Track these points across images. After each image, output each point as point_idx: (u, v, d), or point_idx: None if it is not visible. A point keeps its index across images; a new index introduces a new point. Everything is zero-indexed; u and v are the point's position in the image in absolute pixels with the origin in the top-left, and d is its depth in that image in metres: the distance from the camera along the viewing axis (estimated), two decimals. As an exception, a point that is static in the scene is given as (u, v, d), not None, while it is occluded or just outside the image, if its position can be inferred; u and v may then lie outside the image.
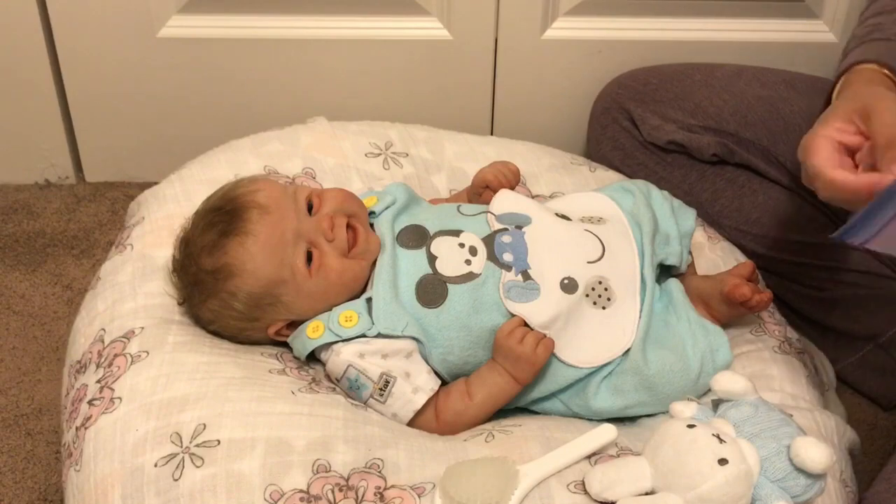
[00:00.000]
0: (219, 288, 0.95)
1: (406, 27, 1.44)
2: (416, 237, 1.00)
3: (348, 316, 0.95)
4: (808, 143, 0.90)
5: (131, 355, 0.93)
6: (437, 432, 0.94)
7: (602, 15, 1.44)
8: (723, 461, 0.78)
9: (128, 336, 0.95)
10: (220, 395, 0.88)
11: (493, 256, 0.98)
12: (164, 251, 1.04)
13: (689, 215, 1.09)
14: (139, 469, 0.84)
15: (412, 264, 0.98)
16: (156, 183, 1.17)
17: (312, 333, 0.95)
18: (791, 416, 0.87)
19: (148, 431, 0.86)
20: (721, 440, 0.80)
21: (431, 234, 1.00)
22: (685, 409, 0.86)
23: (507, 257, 0.98)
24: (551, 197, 1.19)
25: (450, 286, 0.96)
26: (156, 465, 0.84)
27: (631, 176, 1.28)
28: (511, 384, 0.95)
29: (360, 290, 0.98)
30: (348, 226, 0.98)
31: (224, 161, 1.17)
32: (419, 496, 0.82)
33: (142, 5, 1.40)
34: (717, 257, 1.17)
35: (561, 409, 0.99)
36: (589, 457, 0.86)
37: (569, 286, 0.97)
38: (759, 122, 1.26)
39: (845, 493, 0.93)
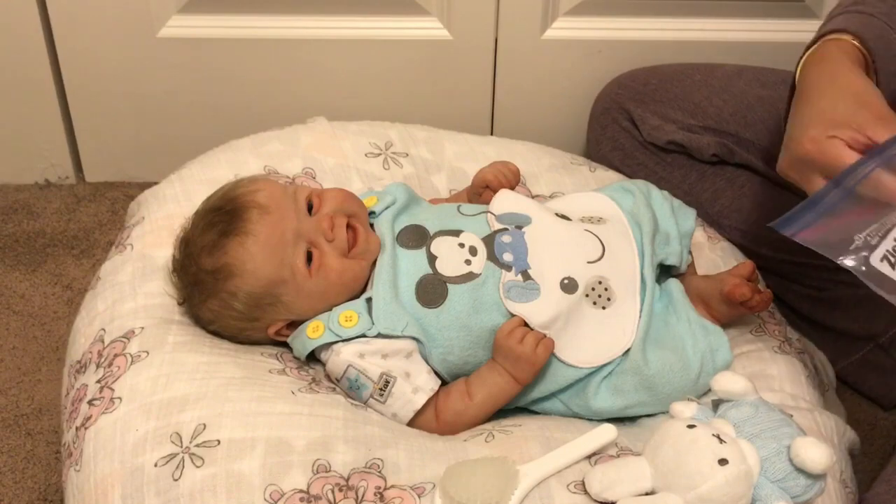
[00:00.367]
0: (219, 288, 0.95)
1: (406, 27, 1.44)
2: (416, 237, 1.00)
3: (348, 316, 0.95)
4: (825, 143, 0.88)
5: (131, 355, 0.93)
6: (437, 432, 0.94)
7: (602, 15, 1.44)
8: (723, 461, 0.78)
9: (128, 336, 0.96)
10: (220, 395, 0.88)
11: (493, 256, 0.98)
12: (164, 251, 1.04)
13: (689, 215, 1.09)
14: (139, 469, 0.84)
15: (412, 264, 0.98)
16: (156, 183, 1.17)
17: (312, 333, 0.95)
18: (791, 416, 0.87)
19: (148, 431, 0.86)
20: (721, 440, 0.80)
21: (431, 234, 1.00)
22: (685, 410, 0.86)
23: (507, 257, 0.98)
24: (551, 197, 1.19)
25: (450, 286, 0.96)
26: (156, 465, 0.84)
27: (631, 176, 1.28)
28: (511, 384, 0.95)
29: (360, 290, 0.98)
30: (348, 226, 0.98)
31: (224, 161, 1.17)
32: (419, 496, 0.82)
33: (142, 5, 1.40)
34: (717, 257, 1.17)
35: (561, 409, 0.99)
36: (589, 457, 0.86)
37: (569, 286, 0.97)
38: (759, 122, 1.26)
39: (845, 493, 0.93)
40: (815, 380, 1.07)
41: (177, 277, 1.00)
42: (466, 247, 0.98)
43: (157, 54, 1.44)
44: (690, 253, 1.08)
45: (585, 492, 0.82)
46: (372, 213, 1.03)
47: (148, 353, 0.93)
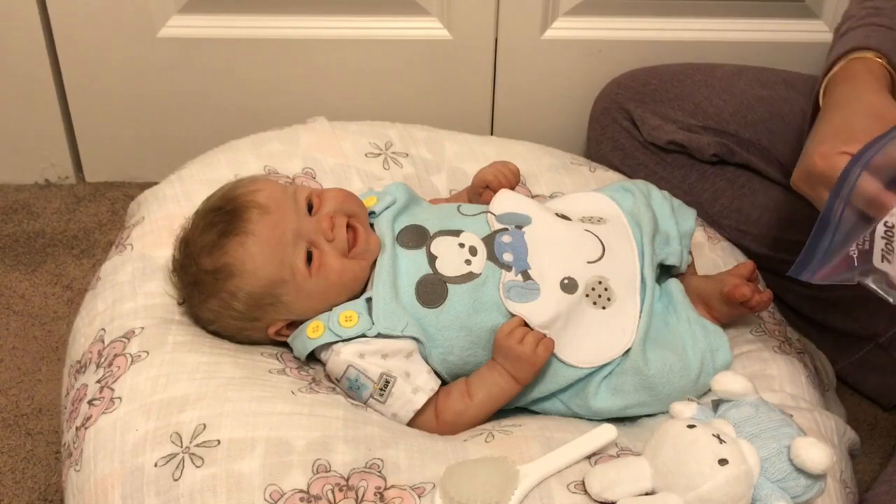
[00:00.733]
0: (219, 288, 0.95)
1: (406, 27, 1.44)
2: (416, 237, 1.00)
3: (348, 316, 0.95)
4: (836, 158, 0.87)
5: (131, 355, 0.93)
6: (437, 432, 0.94)
7: (602, 15, 1.44)
8: (723, 461, 0.78)
9: (128, 336, 0.95)
10: (220, 395, 0.88)
11: (493, 256, 0.98)
12: (164, 251, 1.04)
13: (689, 215, 1.09)
14: (139, 469, 0.84)
15: (412, 264, 0.98)
16: (156, 183, 1.17)
17: (312, 333, 0.95)
18: (791, 416, 0.87)
19: (148, 431, 0.86)
20: (721, 440, 0.80)
21: (431, 234, 1.00)
22: (685, 410, 0.86)
23: (507, 257, 0.98)
24: (551, 197, 1.19)
25: (450, 286, 0.96)
26: (156, 465, 0.83)
27: (631, 176, 1.28)
28: (511, 384, 0.95)
29: (360, 290, 0.98)
30: (348, 226, 0.98)
31: (224, 161, 1.17)
32: (419, 496, 0.82)
33: (142, 5, 1.40)
34: (717, 257, 1.17)
35: (561, 409, 0.99)
36: (589, 457, 0.86)
37: (569, 286, 0.97)
38: (759, 122, 1.26)
39: (845, 493, 0.93)
40: (815, 380, 1.07)
41: (177, 277, 1.00)
42: (466, 247, 0.98)
43: (157, 54, 1.44)
44: (690, 253, 1.08)
45: (585, 492, 0.82)
46: (372, 213, 1.03)
47: (148, 353, 0.93)
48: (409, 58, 1.46)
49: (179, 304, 1.00)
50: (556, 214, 1.03)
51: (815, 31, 1.44)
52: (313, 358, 0.97)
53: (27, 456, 1.16)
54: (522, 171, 1.17)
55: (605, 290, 0.99)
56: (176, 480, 0.82)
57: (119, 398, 0.89)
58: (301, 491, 0.82)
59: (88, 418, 0.89)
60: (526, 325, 0.95)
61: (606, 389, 0.97)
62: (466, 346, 0.96)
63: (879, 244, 0.84)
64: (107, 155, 1.55)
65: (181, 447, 0.84)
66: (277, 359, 0.98)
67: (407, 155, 1.23)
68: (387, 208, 1.03)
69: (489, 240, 0.99)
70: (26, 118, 1.51)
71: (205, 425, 0.85)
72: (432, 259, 0.98)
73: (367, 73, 1.47)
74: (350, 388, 0.94)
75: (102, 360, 0.94)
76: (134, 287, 1.01)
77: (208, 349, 0.95)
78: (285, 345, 1.00)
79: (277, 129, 1.23)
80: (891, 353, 1.22)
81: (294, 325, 0.98)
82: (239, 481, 0.82)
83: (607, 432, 0.87)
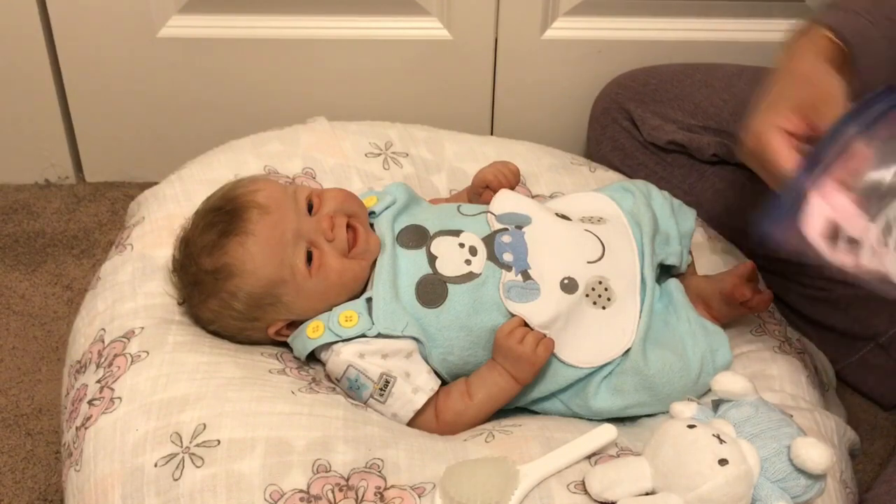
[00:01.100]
0: (219, 288, 0.95)
1: (406, 27, 1.44)
2: (416, 237, 0.99)
3: (348, 316, 0.95)
4: (762, 135, 0.90)
5: (131, 355, 0.93)
6: (437, 432, 0.94)
7: (602, 15, 1.44)
8: (723, 462, 0.78)
9: (128, 336, 0.96)
10: (220, 395, 0.88)
11: (493, 256, 0.98)
12: (164, 251, 1.04)
13: (689, 215, 1.09)
14: (139, 469, 0.84)
15: (412, 264, 0.98)
16: (156, 183, 1.17)
17: (312, 333, 0.95)
18: (791, 416, 0.87)
19: (148, 431, 0.86)
20: (721, 440, 0.80)
21: (431, 234, 1.00)
22: (685, 410, 0.86)
23: (507, 257, 0.98)
24: (551, 197, 1.19)
25: (450, 286, 0.96)
26: (156, 465, 0.84)
27: (631, 176, 1.28)
28: (511, 384, 0.95)
29: (360, 290, 0.98)
30: (348, 226, 0.98)
31: (224, 161, 1.17)
32: (419, 496, 0.82)
33: (142, 5, 1.40)
34: (717, 257, 1.17)
35: (561, 409, 0.99)
36: (589, 457, 0.86)
37: (569, 286, 0.97)
38: (758, 122, 1.26)
39: (845, 493, 0.93)
40: (815, 380, 1.07)
41: (177, 277, 1.00)
42: (466, 247, 0.98)
43: (157, 54, 1.44)
44: (690, 253, 1.08)
45: (585, 492, 0.82)
46: (372, 213, 1.03)
47: (148, 353, 0.93)
48: (409, 58, 1.46)
49: (179, 304, 1.00)
50: (557, 214, 1.03)
51: (815, 31, 1.44)
52: (313, 358, 0.97)
53: (27, 456, 1.16)
54: (522, 171, 1.17)
55: (606, 290, 0.99)
56: (176, 480, 0.82)
57: (119, 398, 0.89)
58: (301, 491, 0.82)
59: (88, 418, 0.89)
60: (526, 325, 0.95)
61: (606, 389, 0.97)
62: (466, 346, 0.96)
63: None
64: (107, 155, 1.55)
65: (181, 447, 0.84)
66: (277, 359, 0.98)
67: (407, 155, 1.23)
68: (387, 208, 1.03)
69: (489, 240, 0.99)
70: (26, 118, 1.51)
71: (205, 425, 0.85)
72: (432, 259, 0.98)
73: (367, 73, 1.47)
74: (350, 388, 0.94)
75: (102, 360, 0.94)
76: (134, 287, 1.01)
77: (208, 349, 0.95)
78: (285, 345, 1.00)
79: (277, 129, 1.23)
80: (891, 353, 1.22)
81: (294, 325, 0.98)
82: (239, 481, 0.82)
83: (607, 432, 0.87)
